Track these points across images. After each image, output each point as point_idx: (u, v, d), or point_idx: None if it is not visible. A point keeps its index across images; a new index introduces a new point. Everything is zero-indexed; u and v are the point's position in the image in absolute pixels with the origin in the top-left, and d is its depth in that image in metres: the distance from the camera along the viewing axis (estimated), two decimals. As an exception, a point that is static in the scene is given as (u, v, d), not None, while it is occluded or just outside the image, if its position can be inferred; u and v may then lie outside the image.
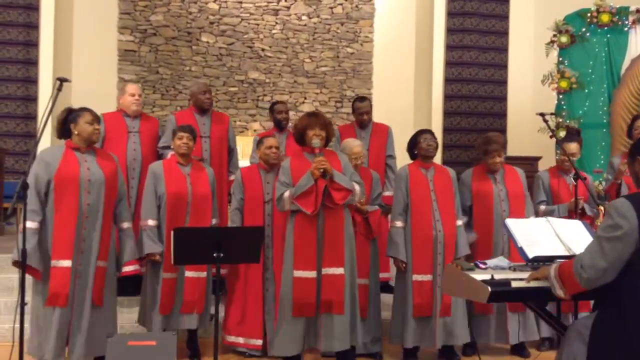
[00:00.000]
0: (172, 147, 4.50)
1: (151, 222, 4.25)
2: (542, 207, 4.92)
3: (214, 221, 4.44)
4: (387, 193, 5.03)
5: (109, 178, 3.94)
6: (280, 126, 5.43)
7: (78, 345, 3.79)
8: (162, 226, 4.26)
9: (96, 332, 3.86)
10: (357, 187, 4.02)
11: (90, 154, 3.96)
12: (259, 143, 4.70)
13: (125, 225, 4.10)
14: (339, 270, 3.89)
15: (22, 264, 3.51)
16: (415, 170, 4.48)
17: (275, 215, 4.43)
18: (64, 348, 3.80)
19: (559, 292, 2.59)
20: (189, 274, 4.24)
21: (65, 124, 3.96)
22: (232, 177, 5.12)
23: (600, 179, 6.15)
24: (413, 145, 4.54)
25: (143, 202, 4.31)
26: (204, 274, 4.30)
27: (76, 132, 3.93)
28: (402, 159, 4.93)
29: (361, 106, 5.34)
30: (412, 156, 4.58)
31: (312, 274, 3.89)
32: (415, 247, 4.35)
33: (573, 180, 4.55)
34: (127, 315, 4.91)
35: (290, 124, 5.49)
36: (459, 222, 4.46)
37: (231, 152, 5.25)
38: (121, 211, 4.08)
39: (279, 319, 4.02)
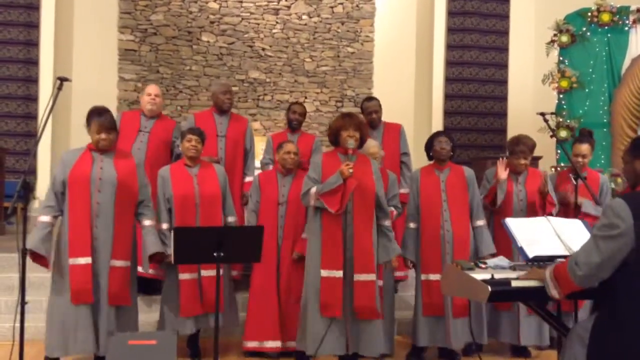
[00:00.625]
0: (181, 149, 4.50)
1: (164, 226, 4.26)
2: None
3: (230, 219, 4.44)
4: (402, 190, 5.02)
5: (122, 178, 3.95)
6: (292, 127, 5.40)
7: (101, 341, 3.80)
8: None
9: (120, 331, 3.86)
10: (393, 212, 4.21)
11: (107, 155, 3.98)
12: (278, 148, 4.72)
13: (147, 222, 4.09)
14: (371, 277, 3.92)
15: (22, 264, 3.51)
16: (428, 171, 4.56)
17: (287, 217, 4.46)
18: (89, 343, 3.79)
19: (553, 293, 2.59)
20: (205, 273, 4.25)
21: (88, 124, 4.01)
22: (247, 179, 5.14)
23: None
24: (429, 147, 4.60)
25: (157, 206, 4.32)
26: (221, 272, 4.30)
27: (90, 136, 4.01)
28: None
29: (369, 105, 5.37)
30: (430, 157, 4.64)
31: (339, 274, 3.90)
32: (424, 247, 4.43)
33: (574, 181, 4.54)
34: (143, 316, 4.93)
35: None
36: (480, 222, 4.49)
37: (247, 154, 5.25)
38: (143, 211, 4.09)
39: (308, 319, 4.00)
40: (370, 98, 5.59)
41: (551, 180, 4.90)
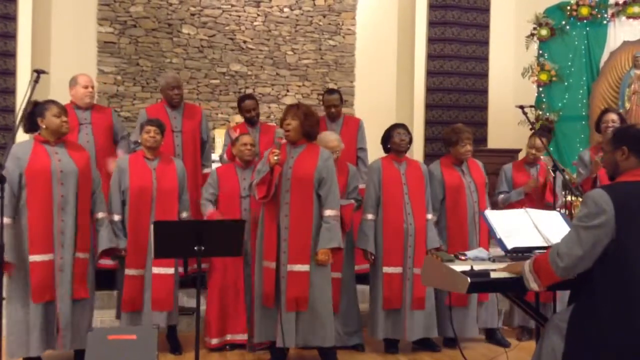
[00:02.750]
0: (139, 140, 4.45)
1: (116, 217, 4.21)
2: (500, 197, 5.03)
3: (184, 214, 4.41)
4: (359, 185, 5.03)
5: (81, 169, 3.90)
6: (251, 122, 5.31)
7: (64, 338, 3.77)
8: (125, 221, 4.24)
9: (79, 325, 3.84)
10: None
11: (60, 147, 3.90)
12: (235, 141, 4.69)
13: (100, 215, 4.06)
14: (304, 268, 3.91)
15: (0, 260, 3.47)
16: (388, 163, 4.52)
17: (252, 210, 4.45)
18: (49, 342, 3.77)
19: (533, 286, 2.61)
20: (155, 270, 4.20)
21: (32, 118, 3.87)
22: (205, 170, 5.07)
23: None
24: (386, 139, 4.58)
25: (109, 196, 4.26)
26: (171, 271, 4.26)
27: (44, 126, 3.86)
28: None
29: (329, 99, 5.31)
30: (386, 150, 4.61)
31: (272, 264, 3.92)
32: (386, 239, 4.40)
33: (552, 172, 4.61)
34: (107, 311, 4.90)
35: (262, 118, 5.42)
36: (429, 216, 4.51)
37: (204, 145, 5.16)
38: (96, 202, 4.04)
39: (256, 309, 4.09)
40: (332, 91, 5.51)
41: (507, 170, 5.05)
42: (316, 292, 3.92)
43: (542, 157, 5.10)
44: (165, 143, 4.55)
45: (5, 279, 3.74)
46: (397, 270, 4.35)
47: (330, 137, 4.51)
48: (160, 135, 4.34)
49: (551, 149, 5.21)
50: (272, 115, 8.40)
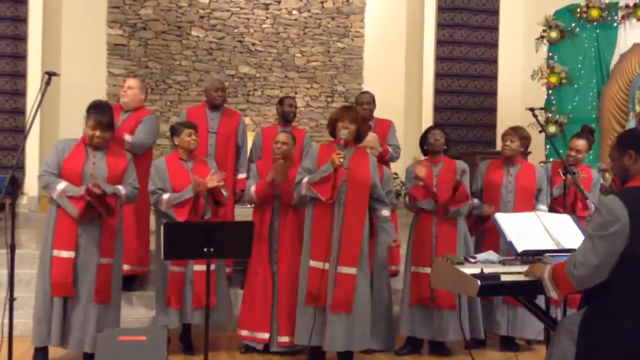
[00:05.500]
0: (176, 143, 4.45)
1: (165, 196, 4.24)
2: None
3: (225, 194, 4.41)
4: None
5: (112, 175, 3.93)
6: (287, 119, 5.32)
7: (73, 338, 3.81)
8: None
9: (95, 329, 3.85)
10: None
11: (100, 150, 3.95)
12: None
13: (120, 187, 3.96)
14: (352, 270, 3.92)
15: (10, 259, 3.49)
16: (424, 165, 4.56)
17: (282, 210, 4.45)
18: (65, 337, 3.82)
19: (553, 294, 2.58)
20: (197, 267, 4.24)
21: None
22: (240, 176, 5.10)
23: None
24: (423, 142, 4.65)
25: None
26: (212, 267, 4.28)
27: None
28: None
29: (361, 97, 5.45)
30: (424, 152, 4.69)
31: (321, 264, 3.92)
32: (416, 240, 4.47)
33: (563, 176, 4.54)
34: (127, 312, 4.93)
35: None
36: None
37: (239, 150, 5.20)
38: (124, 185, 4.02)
39: (298, 309, 4.06)
40: (365, 92, 5.64)
41: (547, 174, 4.91)
42: (360, 296, 3.94)
43: (582, 160, 4.90)
44: (199, 142, 4.59)
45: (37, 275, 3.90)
46: (425, 270, 4.35)
47: (369, 136, 4.52)
48: (198, 138, 4.44)
49: (561, 151, 5.14)
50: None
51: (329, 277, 3.91)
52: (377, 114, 5.47)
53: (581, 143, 4.82)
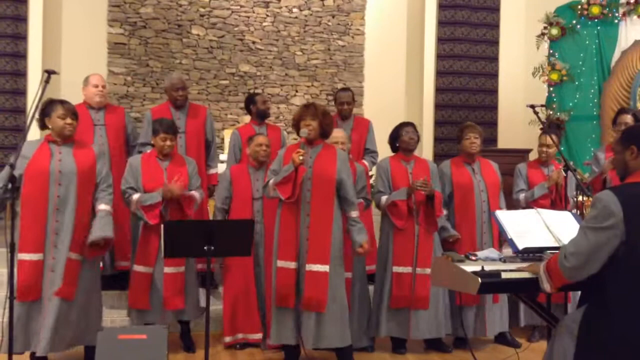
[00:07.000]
0: (152, 143, 4.44)
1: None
2: (522, 195, 4.92)
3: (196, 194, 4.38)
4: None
5: (82, 169, 3.87)
6: (264, 116, 5.26)
7: (43, 339, 3.71)
8: None
9: (78, 325, 3.82)
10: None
11: (66, 146, 3.90)
12: (249, 140, 4.68)
13: (102, 207, 3.93)
14: (324, 268, 3.88)
15: (10, 259, 3.48)
16: (396, 162, 4.52)
17: (265, 211, 4.44)
18: (29, 342, 3.75)
19: (546, 286, 2.60)
20: (167, 269, 4.20)
21: (42, 116, 3.90)
22: (211, 171, 5.07)
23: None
24: (395, 138, 4.58)
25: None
26: (182, 269, 4.25)
27: (50, 126, 3.88)
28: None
29: (341, 95, 5.34)
30: (394, 149, 4.61)
31: (292, 264, 3.89)
32: (396, 239, 4.40)
33: (563, 173, 4.56)
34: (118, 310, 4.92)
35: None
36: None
37: (209, 145, 5.14)
38: (99, 195, 3.94)
39: (272, 309, 4.05)
40: (345, 89, 5.54)
41: (522, 169, 4.97)
42: (334, 292, 3.90)
43: (555, 155, 5.00)
44: None
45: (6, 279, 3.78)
46: (407, 270, 4.33)
47: (335, 133, 4.49)
48: (175, 140, 4.39)
49: (562, 148, 5.14)
50: (281, 115, 8.40)
51: (300, 276, 3.89)
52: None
53: (549, 138, 4.84)
